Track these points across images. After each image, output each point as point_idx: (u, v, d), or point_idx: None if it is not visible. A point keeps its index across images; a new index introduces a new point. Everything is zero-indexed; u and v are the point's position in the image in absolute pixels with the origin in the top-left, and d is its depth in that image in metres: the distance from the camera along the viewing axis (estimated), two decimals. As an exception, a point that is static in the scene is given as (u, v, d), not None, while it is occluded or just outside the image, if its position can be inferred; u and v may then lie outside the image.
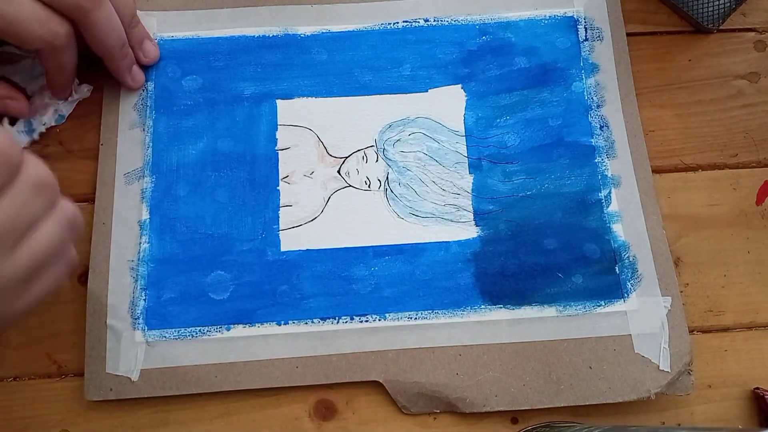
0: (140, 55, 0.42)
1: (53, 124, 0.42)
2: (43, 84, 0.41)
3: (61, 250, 0.31)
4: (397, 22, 0.45)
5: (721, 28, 0.45)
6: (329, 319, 0.39)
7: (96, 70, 0.41)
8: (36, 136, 0.41)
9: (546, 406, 0.37)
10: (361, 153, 0.42)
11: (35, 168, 0.29)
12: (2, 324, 0.30)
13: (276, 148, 0.42)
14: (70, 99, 0.42)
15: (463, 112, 0.43)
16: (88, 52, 0.40)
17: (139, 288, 0.39)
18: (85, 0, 0.36)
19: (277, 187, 0.41)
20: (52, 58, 0.38)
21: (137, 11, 0.42)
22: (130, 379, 0.37)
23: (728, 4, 0.44)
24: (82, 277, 0.39)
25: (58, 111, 0.42)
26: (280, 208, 0.41)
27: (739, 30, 0.46)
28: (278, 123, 0.42)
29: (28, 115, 0.41)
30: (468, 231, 0.40)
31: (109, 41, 0.39)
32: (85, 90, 0.43)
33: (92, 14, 0.37)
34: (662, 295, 0.39)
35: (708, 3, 0.44)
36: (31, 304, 0.30)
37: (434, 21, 0.45)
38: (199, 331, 0.38)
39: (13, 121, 0.41)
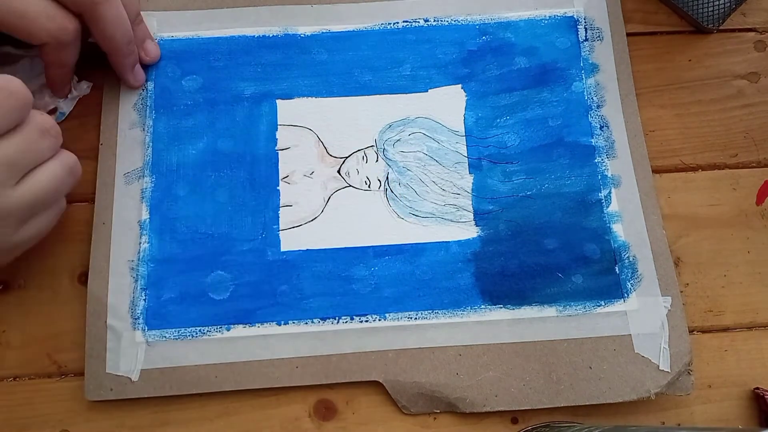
0: (142, 54, 0.42)
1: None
2: (42, 83, 0.41)
3: (58, 195, 0.36)
4: (397, 22, 0.45)
5: (721, 28, 0.45)
6: (329, 319, 0.39)
7: (95, 69, 0.41)
8: None
9: (546, 406, 0.37)
10: (361, 153, 0.42)
11: (42, 116, 0.34)
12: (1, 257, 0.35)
13: (276, 148, 0.42)
14: (69, 96, 0.42)
15: (463, 112, 0.43)
16: (89, 50, 0.40)
17: (139, 288, 0.39)
18: None
19: (277, 187, 0.41)
20: (55, 53, 0.38)
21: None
22: (130, 379, 0.37)
23: (728, 4, 0.44)
24: (83, 277, 0.39)
25: (58, 109, 0.42)
26: (280, 208, 0.41)
27: (739, 30, 0.46)
28: (278, 123, 0.42)
29: None
30: (468, 231, 0.40)
31: (117, 35, 0.39)
32: (84, 87, 0.43)
33: (100, 7, 0.37)
34: (662, 295, 0.39)
35: (708, 3, 0.44)
36: (27, 241, 0.35)
37: (434, 21, 0.45)
38: (199, 331, 0.38)
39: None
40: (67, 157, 0.36)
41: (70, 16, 0.36)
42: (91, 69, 0.41)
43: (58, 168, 0.35)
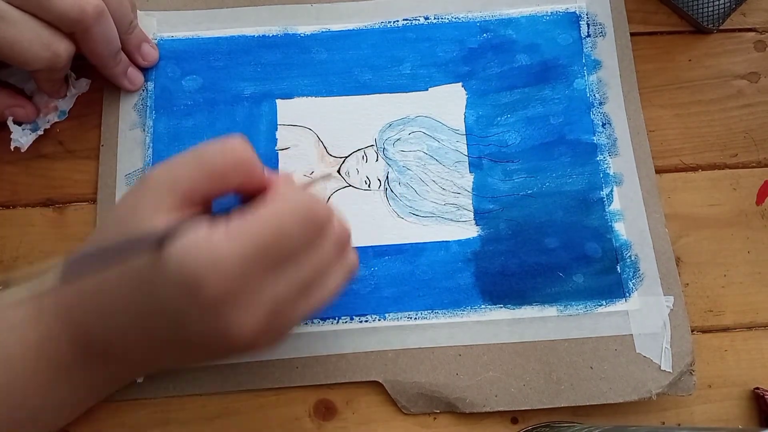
0: (139, 59, 0.42)
1: (56, 120, 0.42)
2: (41, 83, 0.41)
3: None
4: (397, 21, 0.45)
5: (721, 28, 0.45)
6: (329, 319, 0.39)
7: (95, 67, 0.41)
8: (41, 131, 0.41)
9: (546, 406, 0.37)
10: (361, 152, 0.42)
11: (341, 227, 0.32)
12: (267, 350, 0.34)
13: (276, 148, 0.42)
14: (68, 94, 0.42)
15: (464, 111, 0.43)
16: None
17: (138, 288, 0.39)
18: (87, 15, 0.36)
19: (277, 187, 0.41)
20: (48, 75, 0.39)
21: (137, 11, 0.42)
22: (134, 380, 0.37)
23: (728, 4, 0.44)
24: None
25: (59, 107, 0.42)
26: (280, 208, 0.41)
27: (739, 30, 0.46)
28: (278, 123, 0.42)
29: (35, 118, 0.41)
30: (468, 230, 0.40)
31: (104, 53, 0.39)
32: (83, 84, 0.42)
33: (93, 29, 0.37)
34: (664, 295, 0.39)
35: (708, 3, 0.44)
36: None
37: (434, 19, 0.45)
38: (199, 331, 0.38)
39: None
40: (351, 261, 0.33)
41: (63, 39, 0.36)
42: (91, 67, 0.41)
43: (342, 275, 0.32)
